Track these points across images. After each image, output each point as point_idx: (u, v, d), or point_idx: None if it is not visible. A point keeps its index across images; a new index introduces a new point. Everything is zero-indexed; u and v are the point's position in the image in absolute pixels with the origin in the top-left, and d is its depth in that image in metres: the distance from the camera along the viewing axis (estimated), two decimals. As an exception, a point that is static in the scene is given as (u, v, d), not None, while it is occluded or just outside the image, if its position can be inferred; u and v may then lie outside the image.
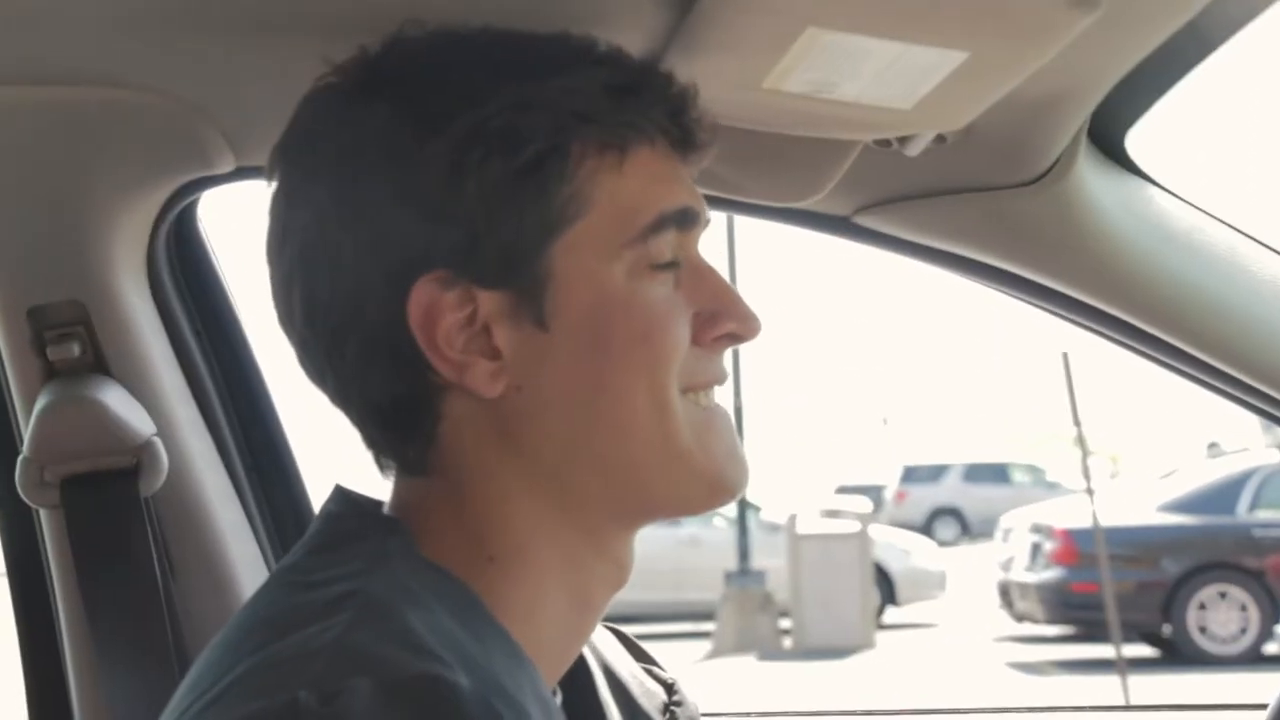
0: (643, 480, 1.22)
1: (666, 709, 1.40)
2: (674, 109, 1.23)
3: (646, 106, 1.22)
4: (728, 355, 1.30)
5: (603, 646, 1.40)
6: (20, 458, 1.79)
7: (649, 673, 1.44)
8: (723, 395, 1.30)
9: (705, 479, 1.24)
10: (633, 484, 1.22)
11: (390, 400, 1.21)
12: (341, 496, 1.25)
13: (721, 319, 1.24)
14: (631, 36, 1.34)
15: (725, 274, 1.38)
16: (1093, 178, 1.69)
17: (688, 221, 1.23)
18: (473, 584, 1.17)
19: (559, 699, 1.27)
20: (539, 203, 1.17)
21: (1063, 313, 1.81)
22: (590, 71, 1.21)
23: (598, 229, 1.19)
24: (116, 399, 1.79)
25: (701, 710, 1.47)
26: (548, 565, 1.21)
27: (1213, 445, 19.36)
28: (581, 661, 1.32)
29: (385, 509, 1.25)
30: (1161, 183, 1.74)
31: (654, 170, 1.22)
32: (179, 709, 1.10)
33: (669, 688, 1.43)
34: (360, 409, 1.23)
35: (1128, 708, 3.09)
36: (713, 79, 1.31)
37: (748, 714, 2.44)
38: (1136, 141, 1.71)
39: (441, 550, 1.19)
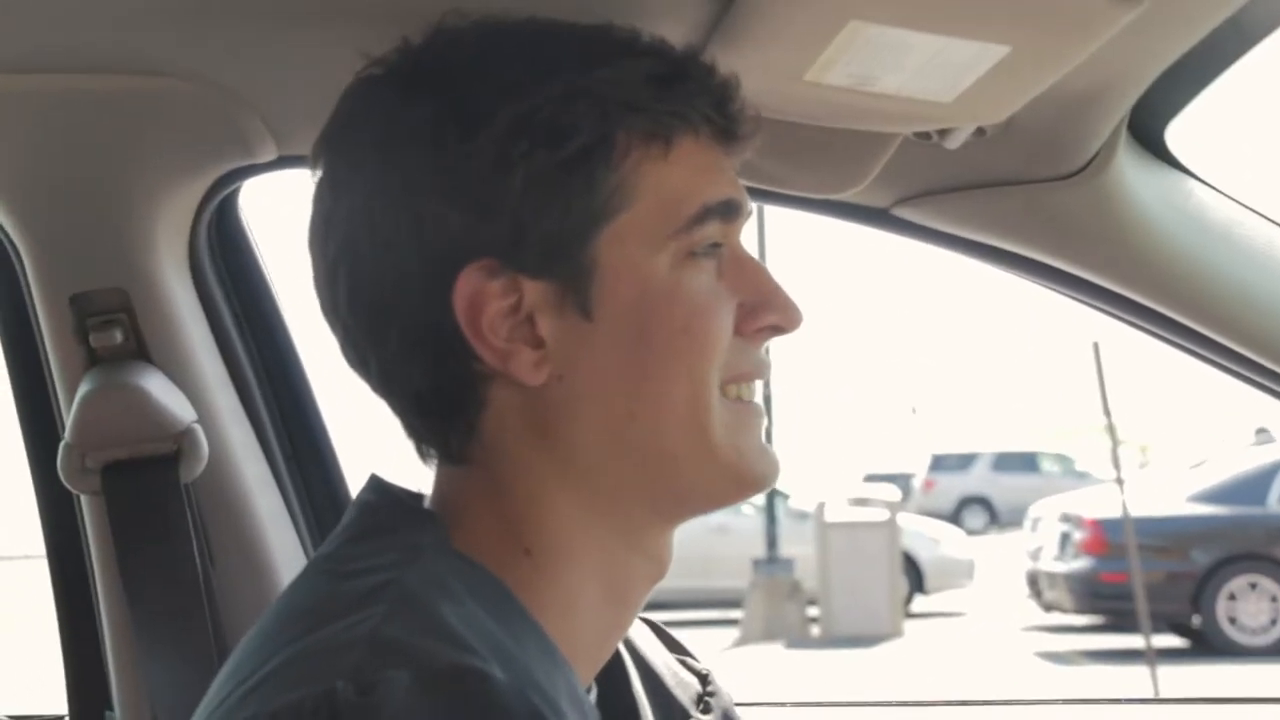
0: (676, 473, 1.22)
1: (701, 699, 1.40)
2: (717, 100, 1.23)
3: (690, 96, 1.22)
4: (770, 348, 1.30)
5: (636, 638, 1.40)
6: (62, 444, 1.80)
7: (683, 664, 1.44)
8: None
9: (733, 474, 1.24)
10: (666, 476, 1.22)
11: (432, 388, 1.21)
12: (377, 486, 1.26)
13: (764, 310, 1.25)
14: (674, 29, 1.34)
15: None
16: (1133, 171, 1.69)
17: (731, 213, 1.23)
18: (508, 578, 1.18)
19: (594, 694, 1.28)
20: (585, 194, 1.18)
21: (1101, 305, 1.80)
22: (634, 62, 1.21)
23: (643, 219, 1.19)
24: (158, 386, 1.80)
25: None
26: (584, 560, 1.22)
27: (1261, 431, 19.16)
28: (616, 655, 1.32)
29: (426, 499, 1.27)
30: (1202, 176, 1.74)
31: (698, 161, 1.22)
32: (219, 697, 1.10)
33: (703, 679, 1.44)
34: (403, 397, 1.24)
35: (1157, 700, 3.08)
36: (754, 71, 1.31)
37: (776, 703, 2.45)
38: (1177, 135, 1.71)
39: (478, 542, 1.20)
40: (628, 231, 1.19)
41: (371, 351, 1.23)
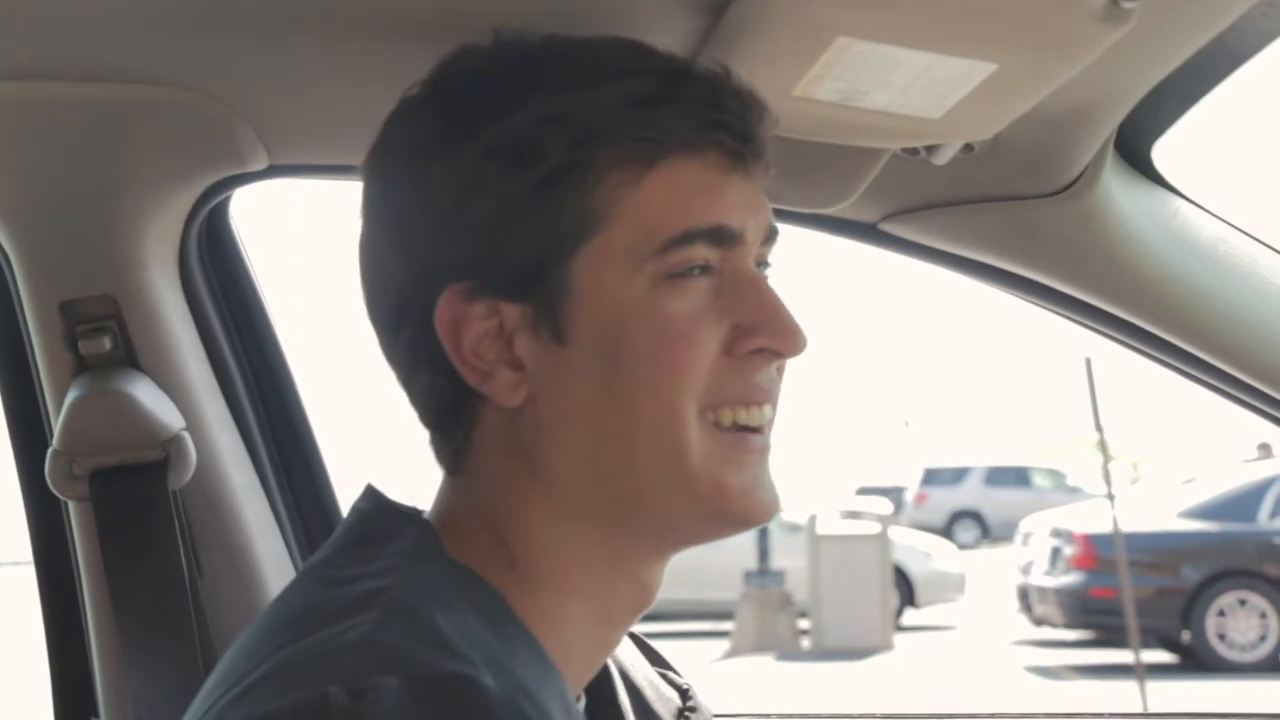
0: (653, 501, 1.20)
1: (681, 714, 1.41)
2: (716, 120, 1.20)
3: (678, 118, 1.19)
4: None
5: (620, 650, 1.40)
6: (50, 450, 1.80)
7: (664, 677, 1.44)
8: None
9: (710, 507, 1.20)
10: (644, 504, 1.20)
11: (434, 400, 1.24)
12: (372, 495, 1.27)
13: (757, 332, 1.20)
14: (662, 43, 1.34)
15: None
16: (1119, 189, 1.70)
17: (724, 239, 1.20)
18: (498, 588, 1.18)
19: (582, 704, 1.28)
20: (555, 218, 1.18)
21: (1086, 321, 1.81)
22: (617, 84, 1.19)
23: (618, 243, 1.18)
24: (146, 393, 1.80)
25: (716, 711, 1.48)
26: (566, 576, 1.22)
27: (1263, 446, 19.12)
28: (603, 667, 1.33)
29: (427, 508, 1.27)
30: (1187, 195, 1.75)
31: (687, 183, 1.19)
32: (209, 701, 1.11)
33: (684, 693, 1.44)
34: (413, 405, 1.27)
35: (1145, 715, 3.09)
36: (742, 86, 1.32)
37: (765, 714, 2.45)
38: (1163, 154, 1.72)
39: (470, 552, 1.20)
40: (603, 255, 1.18)
41: (390, 359, 1.27)
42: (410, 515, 1.25)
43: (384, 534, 1.21)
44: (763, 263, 1.26)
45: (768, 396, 1.23)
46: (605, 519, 1.21)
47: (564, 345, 1.19)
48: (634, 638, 1.47)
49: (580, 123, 1.18)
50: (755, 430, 1.22)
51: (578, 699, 1.26)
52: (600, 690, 1.32)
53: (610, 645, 1.28)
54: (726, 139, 1.20)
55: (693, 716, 1.42)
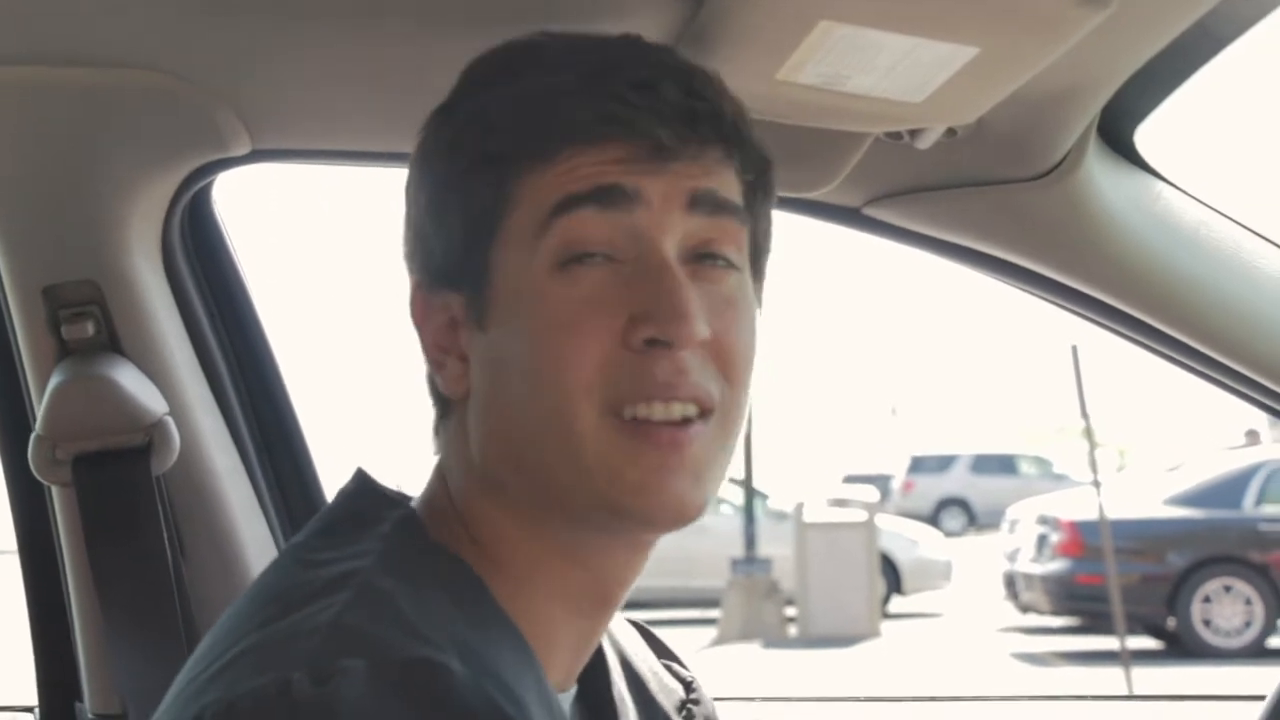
0: (559, 491, 1.17)
1: (683, 706, 1.41)
2: (607, 114, 1.16)
3: (574, 111, 1.17)
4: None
5: (623, 640, 1.41)
6: (33, 435, 1.80)
7: (668, 669, 1.44)
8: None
9: (606, 501, 1.16)
10: (552, 493, 1.18)
11: (428, 388, 1.27)
12: (360, 479, 1.27)
13: (647, 320, 1.14)
14: (645, 29, 1.35)
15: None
16: (1101, 173, 1.70)
17: (613, 199, 1.15)
18: (480, 574, 1.18)
19: (573, 692, 1.28)
20: (464, 206, 1.20)
21: (1069, 306, 1.81)
22: (537, 79, 1.19)
23: (518, 225, 1.18)
24: (129, 378, 1.80)
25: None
26: (524, 567, 1.21)
27: (1251, 432, 19.15)
28: (599, 654, 1.32)
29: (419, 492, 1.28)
30: (1170, 179, 1.75)
31: (587, 164, 1.16)
32: (187, 678, 1.12)
33: (687, 685, 1.44)
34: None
35: (1130, 697, 3.10)
36: (726, 71, 1.31)
37: (746, 698, 2.45)
38: (1146, 137, 1.72)
39: (450, 539, 1.21)
40: (508, 239, 1.18)
41: None
42: (394, 500, 1.25)
43: (366, 517, 1.21)
44: (709, 254, 1.19)
45: (669, 392, 1.15)
46: (533, 511, 1.20)
47: (486, 333, 1.19)
48: (639, 628, 1.47)
49: (494, 118, 1.20)
50: (667, 424, 1.15)
51: (567, 689, 1.26)
52: (595, 679, 1.32)
53: (589, 636, 1.27)
54: (620, 132, 1.16)
55: (695, 709, 1.42)
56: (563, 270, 1.15)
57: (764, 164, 1.25)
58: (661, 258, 1.16)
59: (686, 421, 1.16)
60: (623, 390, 1.14)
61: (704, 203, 1.18)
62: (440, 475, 1.26)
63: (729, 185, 1.21)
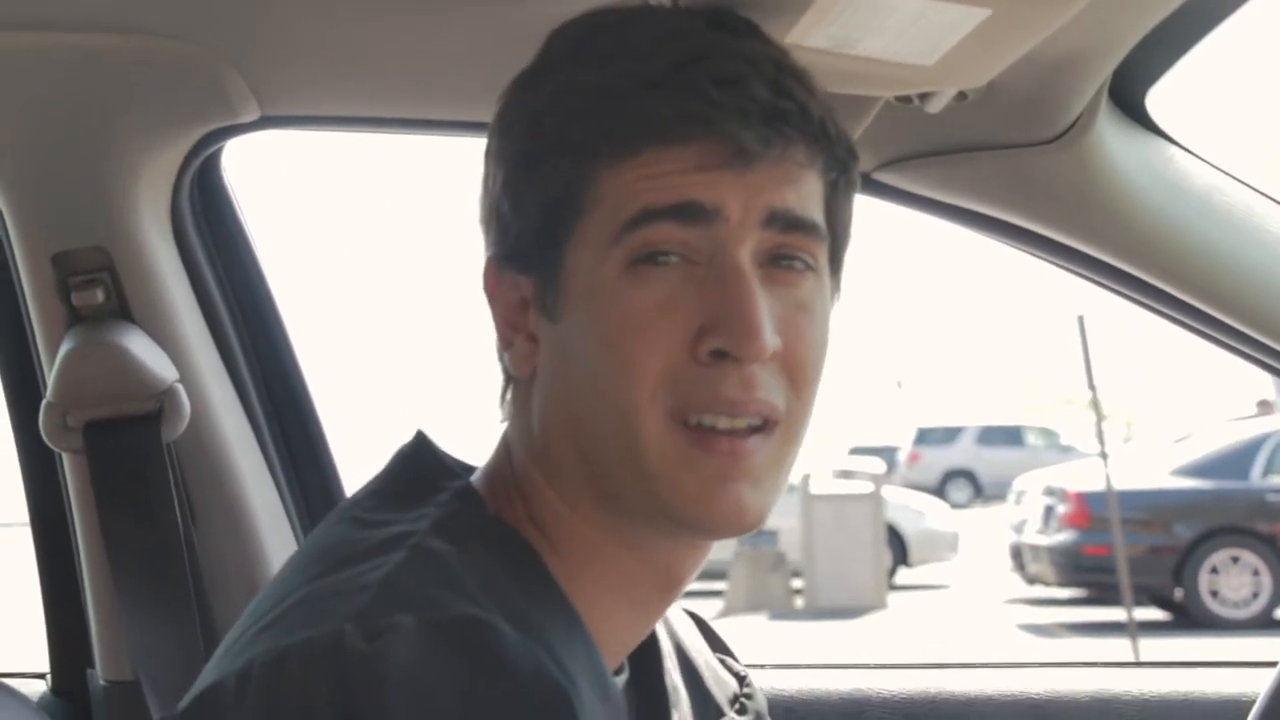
0: (618, 491, 1.17)
1: (736, 699, 1.41)
2: (693, 114, 1.13)
3: (659, 107, 1.14)
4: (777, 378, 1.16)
5: (680, 630, 1.41)
6: (44, 402, 1.80)
7: (723, 662, 1.45)
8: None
9: (667, 509, 1.15)
10: (612, 493, 1.18)
11: (499, 359, 1.26)
12: (419, 441, 1.27)
13: (714, 330, 1.13)
14: (654, -9, 1.34)
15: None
16: (1113, 136, 1.69)
17: (693, 216, 1.13)
18: (537, 550, 1.19)
19: (626, 675, 1.27)
20: (543, 196, 1.18)
21: (1080, 270, 1.81)
22: (622, 67, 1.16)
23: (594, 226, 1.16)
24: (139, 345, 1.80)
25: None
26: (582, 553, 1.21)
27: (1263, 403, 19.08)
28: (653, 641, 1.32)
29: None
30: (1181, 142, 1.75)
31: (664, 172, 1.14)
32: (239, 631, 1.13)
33: (741, 679, 1.44)
34: None
35: (1135, 664, 3.10)
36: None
37: (761, 664, 2.46)
38: (1157, 101, 1.71)
39: (510, 513, 1.21)
40: (587, 237, 1.16)
41: None
42: (453, 469, 1.25)
43: (423, 482, 1.22)
44: (785, 255, 1.17)
45: (735, 409, 1.14)
46: (594, 501, 1.19)
47: (556, 323, 1.19)
48: (696, 620, 1.47)
49: (577, 103, 1.17)
50: (729, 434, 1.14)
51: (620, 669, 1.26)
52: (648, 665, 1.31)
53: (643, 625, 1.27)
54: (703, 132, 1.13)
55: (748, 703, 1.42)
56: (634, 269, 1.14)
57: (849, 160, 1.23)
58: (735, 264, 1.14)
59: (751, 429, 1.15)
60: (689, 400, 1.13)
61: (780, 220, 1.16)
62: (505, 446, 1.26)
63: (809, 193, 1.18)
